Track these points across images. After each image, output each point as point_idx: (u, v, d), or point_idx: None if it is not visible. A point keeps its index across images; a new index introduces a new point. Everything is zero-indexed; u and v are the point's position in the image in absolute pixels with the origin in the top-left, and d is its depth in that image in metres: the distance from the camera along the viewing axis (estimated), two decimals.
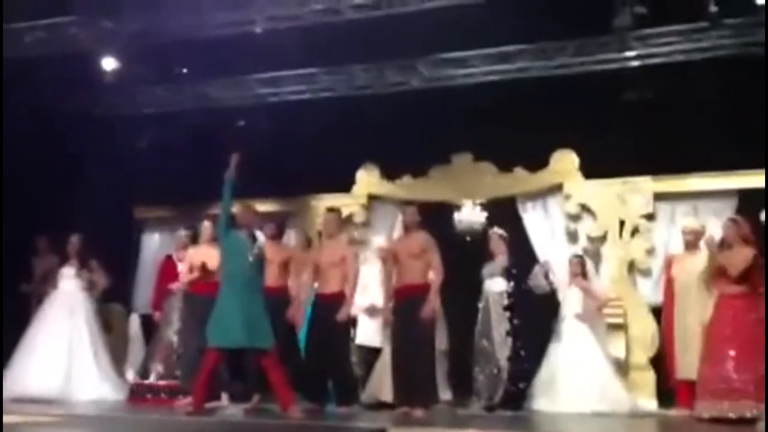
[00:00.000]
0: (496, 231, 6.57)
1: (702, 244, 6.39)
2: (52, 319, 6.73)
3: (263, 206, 8.19)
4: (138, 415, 5.67)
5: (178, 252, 7.18)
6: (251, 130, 8.31)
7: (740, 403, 5.39)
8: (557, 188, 7.70)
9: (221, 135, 8.17)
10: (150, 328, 7.58)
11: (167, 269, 7.24)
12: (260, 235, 6.24)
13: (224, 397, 6.12)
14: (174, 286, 6.94)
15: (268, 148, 8.05)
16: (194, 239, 7.04)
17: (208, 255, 6.47)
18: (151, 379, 6.71)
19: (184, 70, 7.97)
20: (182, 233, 7.29)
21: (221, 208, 5.60)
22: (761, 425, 4.83)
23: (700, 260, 6.32)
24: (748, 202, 6.79)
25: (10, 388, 6.28)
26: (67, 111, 8.26)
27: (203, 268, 6.47)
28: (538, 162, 7.76)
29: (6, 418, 4.74)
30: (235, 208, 5.69)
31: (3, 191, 7.59)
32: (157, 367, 6.76)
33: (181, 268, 6.95)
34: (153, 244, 8.94)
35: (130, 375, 7.33)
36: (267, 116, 8.28)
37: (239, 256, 5.43)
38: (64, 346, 6.60)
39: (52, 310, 6.81)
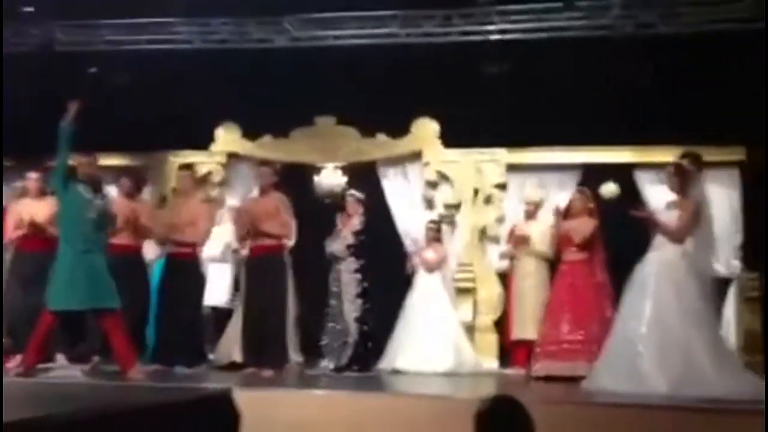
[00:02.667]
0: (353, 193, 6.63)
1: (539, 214, 6.85)
2: None
3: (117, 160, 7.83)
4: None
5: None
6: (103, 79, 7.84)
7: (573, 363, 5.79)
8: (417, 155, 7.84)
9: (70, 82, 7.66)
10: None
11: None
12: (112, 190, 5.94)
13: (60, 358, 5.82)
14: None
15: (123, 99, 7.65)
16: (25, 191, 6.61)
17: (36, 209, 6.08)
18: None
19: (29, 9, 7.36)
20: (18, 185, 6.81)
21: (57, 160, 5.23)
22: (585, 383, 5.20)
23: (538, 229, 6.75)
24: (591, 175, 7.22)
25: None
26: None
27: (32, 223, 6.06)
28: (400, 128, 7.86)
29: None
30: (76, 161, 5.35)
31: None
32: None
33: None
34: None
35: None
36: (121, 65, 7.83)
37: (79, 212, 5.13)
38: None
39: None
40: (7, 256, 6.38)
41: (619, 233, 6.11)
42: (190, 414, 4.13)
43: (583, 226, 6.16)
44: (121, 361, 5.20)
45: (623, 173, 7.04)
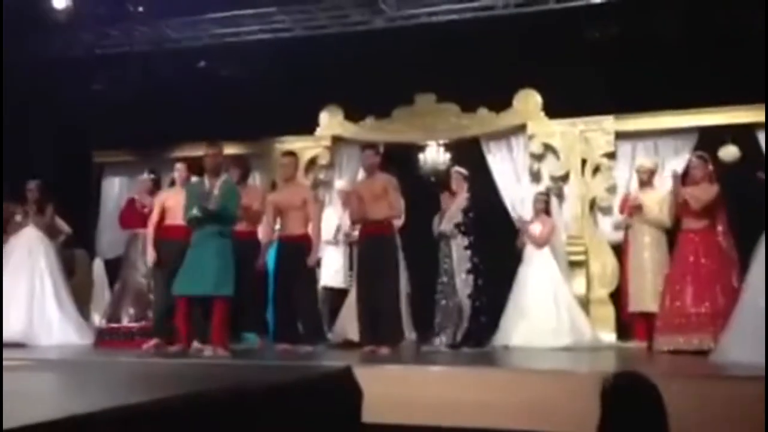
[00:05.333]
0: (458, 170, 6.59)
1: (654, 181, 6.60)
2: (13, 264, 6.67)
3: (226, 149, 8.11)
4: (109, 358, 5.70)
5: (142, 195, 7.09)
6: (211, 72, 8.13)
7: (697, 336, 5.58)
8: (521, 128, 7.72)
9: (179, 77, 7.99)
10: (114, 272, 7.54)
11: (128, 212, 7.16)
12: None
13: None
14: (139, 230, 6.86)
15: (229, 89, 7.92)
16: (157, 182, 6.95)
17: (178, 198, 6.40)
18: (124, 321, 6.72)
19: (139, 9, 7.70)
20: (146, 177, 7.18)
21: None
22: (713, 355, 5.02)
23: (653, 197, 6.50)
24: (708, 139, 6.90)
25: None
26: (19, 54, 7.97)
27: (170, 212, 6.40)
28: (501, 102, 7.75)
29: None
30: (202, 151, 5.65)
31: None
32: (129, 310, 6.76)
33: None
34: (113, 189, 8.81)
35: (97, 319, 7.32)
36: (226, 57, 8.09)
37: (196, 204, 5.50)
38: (25, 290, 6.56)
39: (13, 255, 6.74)
40: (144, 243, 6.71)
41: (742, 198, 5.81)
42: (316, 390, 4.28)
43: (704, 192, 5.87)
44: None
45: (743, 134, 6.68)
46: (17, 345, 6.20)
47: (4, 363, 4.74)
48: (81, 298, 7.28)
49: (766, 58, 5.98)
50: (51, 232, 6.98)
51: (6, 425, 2.16)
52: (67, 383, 4.28)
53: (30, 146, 7.87)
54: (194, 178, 6.73)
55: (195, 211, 5.52)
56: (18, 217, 6.86)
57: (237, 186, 6.06)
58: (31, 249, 6.77)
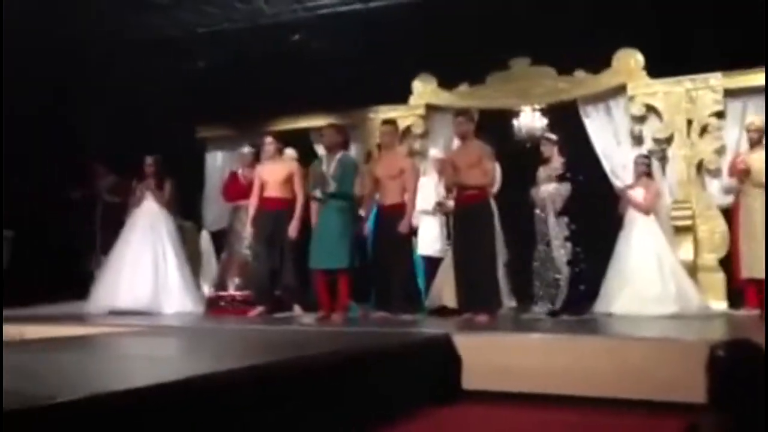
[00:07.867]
0: (547, 135, 6.45)
1: None
2: (137, 236, 7.05)
3: (321, 120, 8.26)
4: (220, 325, 5.98)
5: (244, 169, 7.33)
6: (305, 44, 8.24)
7: None
8: (620, 89, 7.46)
9: (275, 51, 8.15)
10: (220, 243, 7.87)
11: (231, 185, 7.41)
12: (319, 149, 6.39)
13: (297, 308, 6.35)
14: (242, 202, 7.12)
15: (323, 61, 8.01)
16: (257, 155, 7.17)
17: (274, 170, 6.60)
18: (230, 290, 7.04)
19: None
20: (246, 150, 7.40)
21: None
22: None
23: (764, 158, 6.16)
24: None
25: (101, 303, 6.69)
26: (118, 35, 8.32)
27: (266, 184, 6.60)
28: (599, 63, 7.50)
29: (93, 330, 5.07)
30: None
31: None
32: (235, 280, 7.07)
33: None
34: (216, 163, 9.13)
35: (206, 288, 7.67)
36: (319, 29, 8.18)
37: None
38: (150, 261, 6.92)
39: (136, 227, 7.11)
40: (246, 215, 6.99)
41: None
42: (416, 356, 4.35)
43: None
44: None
45: None
46: (144, 313, 6.59)
47: (132, 329, 5.08)
48: (191, 268, 7.64)
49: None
50: (169, 206, 7.31)
51: (134, 385, 2.34)
52: (186, 347, 4.52)
53: (142, 123, 8.27)
54: (288, 150, 6.96)
55: (318, 194, 5.95)
56: (139, 192, 7.24)
57: (354, 161, 6.33)
58: (153, 222, 7.12)
